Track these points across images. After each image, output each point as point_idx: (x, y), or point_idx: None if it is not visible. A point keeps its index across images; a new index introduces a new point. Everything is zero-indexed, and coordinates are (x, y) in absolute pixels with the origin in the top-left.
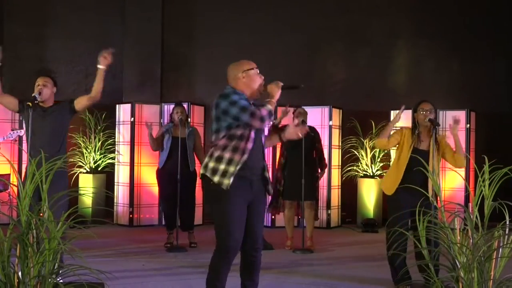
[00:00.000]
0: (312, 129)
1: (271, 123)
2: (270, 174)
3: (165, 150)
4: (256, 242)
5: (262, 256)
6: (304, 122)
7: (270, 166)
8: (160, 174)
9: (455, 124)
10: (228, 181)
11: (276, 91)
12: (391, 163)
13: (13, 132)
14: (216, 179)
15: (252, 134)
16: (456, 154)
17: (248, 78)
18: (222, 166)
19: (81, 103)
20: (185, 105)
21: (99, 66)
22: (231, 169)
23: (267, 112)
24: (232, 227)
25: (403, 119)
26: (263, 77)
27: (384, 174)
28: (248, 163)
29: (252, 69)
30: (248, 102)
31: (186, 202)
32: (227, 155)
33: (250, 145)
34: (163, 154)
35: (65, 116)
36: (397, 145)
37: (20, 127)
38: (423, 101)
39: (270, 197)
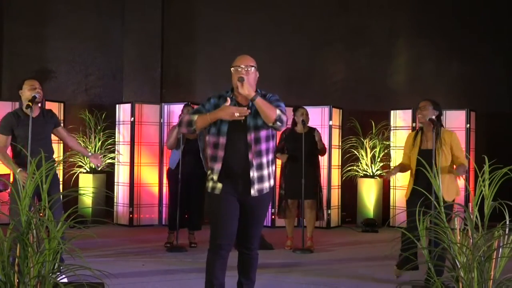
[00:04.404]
0: (313, 129)
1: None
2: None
3: (178, 151)
4: (248, 242)
5: (262, 256)
6: (304, 122)
7: None
8: (172, 175)
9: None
10: (210, 185)
11: (242, 89)
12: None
13: None
14: (206, 183)
15: (222, 140)
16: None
17: (232, 75)
18: (208, 171)
19: (61, 133)
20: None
21: (89, 157)
22: (213, 176)
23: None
24: (220, 226)
25: (402, 118)
26: (242, 74)
27: (384, 173)
28: (227, 166)
29: (232, 67)
30: (211, 105)
31: (197, 203)
32: (209, 162)
33: (221, 153)
34: (176, 155)
35: (49, 127)
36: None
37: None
38: (421, 101)
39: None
